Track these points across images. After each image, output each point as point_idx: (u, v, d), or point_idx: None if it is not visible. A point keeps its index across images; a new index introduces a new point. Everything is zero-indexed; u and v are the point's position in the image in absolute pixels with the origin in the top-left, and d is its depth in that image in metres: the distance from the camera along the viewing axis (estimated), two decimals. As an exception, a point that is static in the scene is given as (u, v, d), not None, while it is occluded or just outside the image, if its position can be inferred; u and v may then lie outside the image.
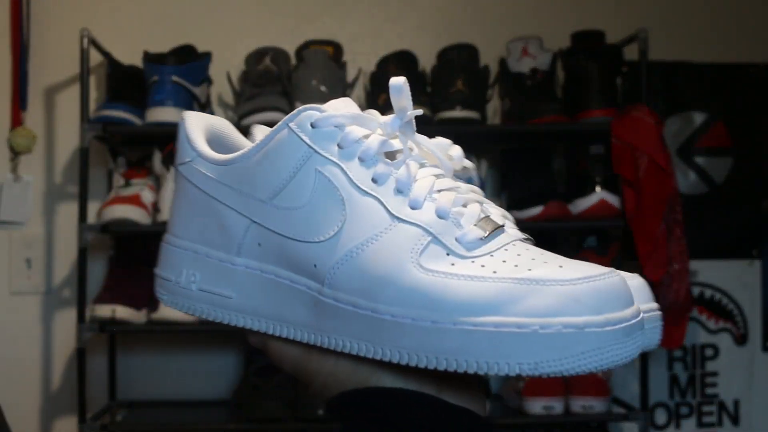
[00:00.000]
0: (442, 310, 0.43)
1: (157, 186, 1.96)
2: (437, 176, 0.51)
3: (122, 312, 1.89)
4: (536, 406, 1.93)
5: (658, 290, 1.98)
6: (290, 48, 2.10)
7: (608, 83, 2.02)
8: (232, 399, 2.01)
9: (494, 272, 0.44)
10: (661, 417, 2.29)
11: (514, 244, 0.48)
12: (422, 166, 0.52)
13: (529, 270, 0.44)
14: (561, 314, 0.41)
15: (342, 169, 0.49)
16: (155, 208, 1.93)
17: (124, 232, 1.97)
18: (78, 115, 1.93)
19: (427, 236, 0.47)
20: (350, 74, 2.08)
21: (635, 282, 0.53)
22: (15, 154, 2.16)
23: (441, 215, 0.48)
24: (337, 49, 2.12)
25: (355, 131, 0.51)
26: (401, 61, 2.06)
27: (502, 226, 0.50)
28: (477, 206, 0.49)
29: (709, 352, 2.31)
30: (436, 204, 0.48)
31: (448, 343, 0.43)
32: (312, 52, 1.98)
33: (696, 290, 2.29)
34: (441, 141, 0.57)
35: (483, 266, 0.45)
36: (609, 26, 2.15)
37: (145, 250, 2.00)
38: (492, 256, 0.46)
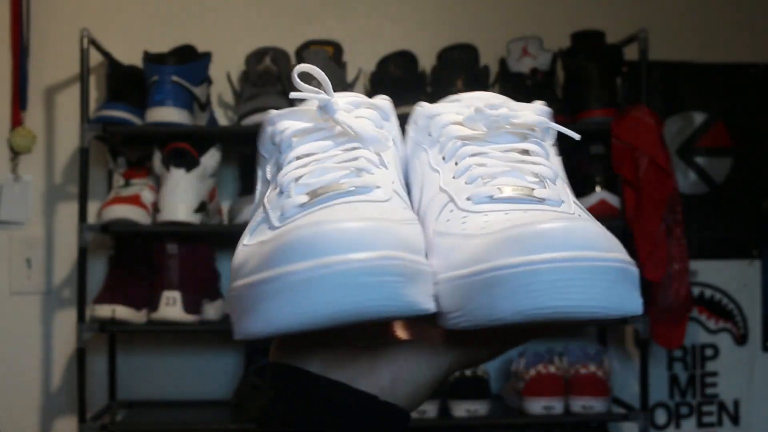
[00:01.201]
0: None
1: (157, 186, 1.96)
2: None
3: (122, 312, 1.89)
4: (536, 406, 1.93)
5: (658, 290, 1.98)
6: (290, 48, 2.10)
7: (608, 83, 2.02)
8: (232, 399, 2.01)
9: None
10: (661, 417, 2.29)
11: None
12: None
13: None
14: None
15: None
16: (155, 208, 1.93)
17: (124, 232, 1.97)
18: (78, 115, 1.93)
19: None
20: (350, 74, 2.08)
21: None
22: (15, 154, 2.16)
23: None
24: (337, 49, 2.12)
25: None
26: (401, 61, 2.06)
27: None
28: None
29: (709, 352, 2.31)
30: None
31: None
32: (312, 52, 1.98)
33: (696, 290, 2.29)
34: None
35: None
36: (609, 26, 2.15)
37: (145, 250, 2.00)
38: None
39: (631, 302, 0.46)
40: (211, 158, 1.96)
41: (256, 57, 2.06)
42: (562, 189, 0.54)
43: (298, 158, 0.53)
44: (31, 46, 2.17)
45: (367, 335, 0.50)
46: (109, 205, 1.90)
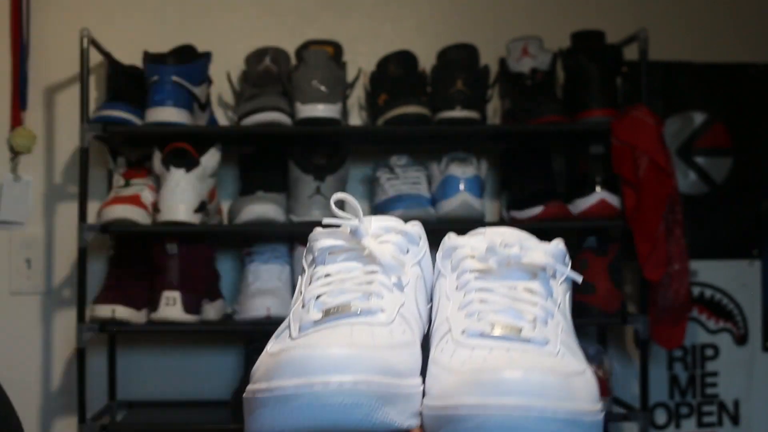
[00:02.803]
0: None
1: (157, 186, 1.96)
2: None
3: (122, 312, 1.89)
4: (536, 406, 1.93)
5: (657, 290, 1.98)
6: (290, 48, 2.10)
7: (608, 83, 2.02)
8: (232, 399, 2.01)
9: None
10: (661, 417, 2.29)
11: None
12: None
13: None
14: None
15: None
16: (155, 208, 1.93)
17: (124, 232, 1.96)
18: (78, 115, 1.93)
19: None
20: (350, 74, 2.08)
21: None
22: (15, 154, 2.16)
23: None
24: (337, 49, 2.12)
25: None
26: (401, 61, 2.06)
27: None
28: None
29: (709, 352, 2.31)
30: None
31: None
32: (312, 52, 1.98)
33: (696, 290, 2.29)
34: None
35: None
36: (609, 26, 2.15)
37: (145, 251, 2.00)
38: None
39: None
40: (211, 158, 1.96)
41: (256, 57, 2.06)
42: (553, 329, 0.57)
43: (326, 276, 0.61)
44: (31, 46, 2.17)
45: None
46: (109, 205, 1.90)
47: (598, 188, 1.99)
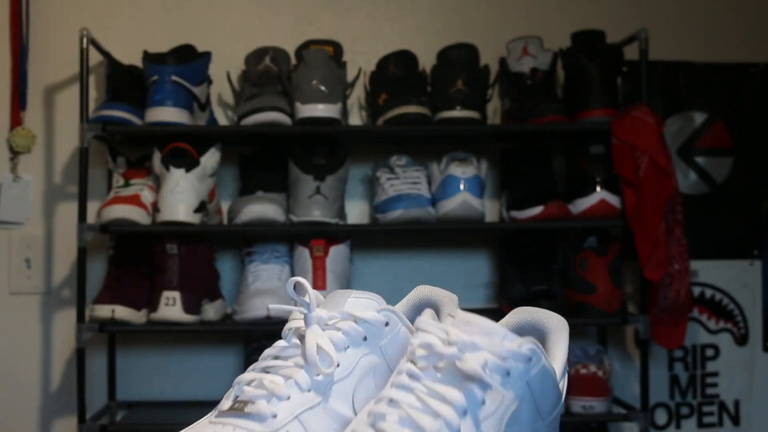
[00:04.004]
0: None
1: (157, 186, 1.96)
2: None
3: (122, 312, 1.89)
4: (536, 406, 1.93)
5: (658, 290, 1.98)
6: (290, 48, 2.10)
7: (608, 83, 2.01)
8: (232, 399, 2.01)
9: None
10: (661, 417, 2.29)
11: None
12: None
13: None
14: None
15: None
16: (155, 208, 1.93)
17: (123, 232, 1.96)
18: (77, 114, 1.93)
19: None
20: (350, 74, 2.08)
21: None
22: (14, 153, 2.16)
23: None
24: (337, 48, 2.11)
25: None
26: (401, 61, 2.06)
27: None
28: None
29: (709, 352, 2.31)
30: None
31: None
32: (312, 51, 1.98)
33: (696, 290, 2.29)
34: None
35: None
36: (609, 26, 2.14)
37: (145, 251, 2.00)
38: None
39: None
40: (210, 158, 1.96)
41: (255, 57, 2.05)
42: None
43: (272, 357, 0.60)
44: (30, 46, 2.17)
45: None
46: (109, 205, 1.90)
47: (598, 188, 1.98)
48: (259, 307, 1.88)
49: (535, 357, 0.54)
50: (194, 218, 1.89)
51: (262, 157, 2.09)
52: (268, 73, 1.99)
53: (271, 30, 2.23)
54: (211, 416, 0.60)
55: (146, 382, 2.18)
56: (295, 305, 0.62)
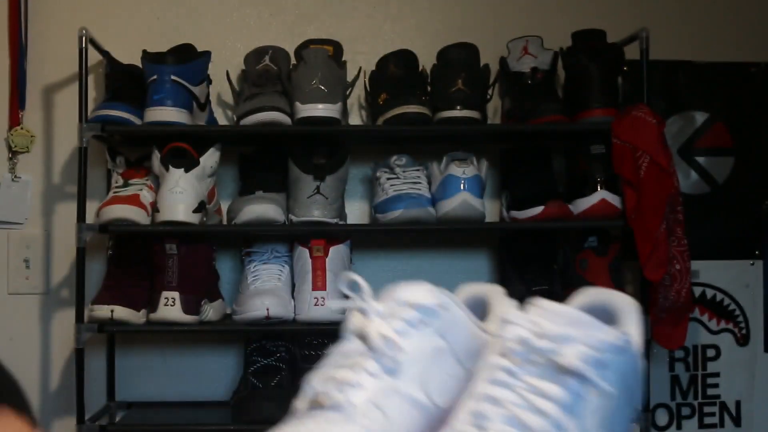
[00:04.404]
0: None
1: (156, 186, 1.95)
2: None
3: (121, 312, 1.88)
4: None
5: (658, 290, 1.97)
6: (290, 47, 2.09)
7: (609, 83, 2.01)
8: (231, 400, 2.00)
9: None
10: (662, 418, 2.29)
11: None
12: None
13: None
14: None
15: None
16: (154, 208, 1.92)
17: (122, 232, 1.96)
18: (76, 114, 1.92)
19: None
20: (350, 74, 2.07)
21: None
22: (13, 153, 2.15)
23: None
24: (336, 48, 2.11)
25: None
26: (401, 61, 2.06)
27: None
28: None
29: (710, 352, 2.30)
30: None
31: None
32: (312, 51, 1.97)
33: (697, 290, 2.28)
34: None
35: None
36: (610, 26, 2.14)
37: (144, 251, 2.00)
38: None
39: None
40: (210, 158, 1.95)
41: (255, 56, 2.05)
42: None
43: (338, 354, 0.60)
44: (29, 46, 2.17)
45: None
46: (108, 205, 1.89)
47: (598, 188, 1.98)
48: (258, 307, 1.88)
49: (628, 348, 0.53)
50: (194, 218, 1.88)
51: (262, 157, 2.09)
52: (268, 73, 1.99)
53: (271, 29, 2.23)
54: (289, 421, 0.58)
55: (145, 382, 2.17)
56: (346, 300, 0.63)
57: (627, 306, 0.59)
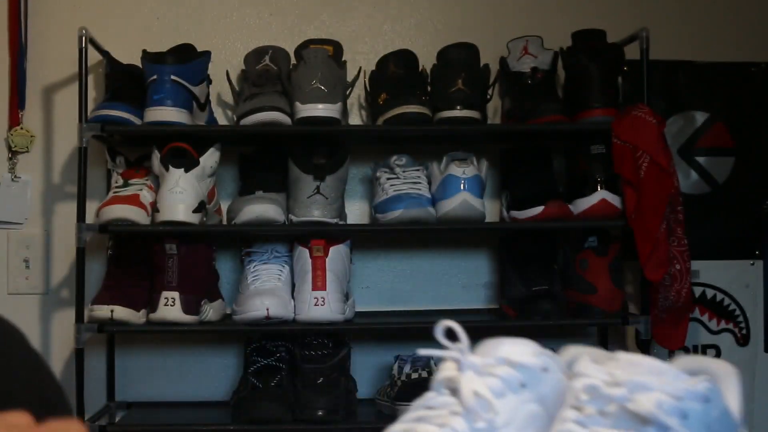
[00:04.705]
0: None
1: (156, 186, 1.95)
2: None
3: (121, 312, 1.88)
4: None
5: (659, 290, 1.97)
6: (290, 47, 2.09)
7: (609, 83, 2.01)
8: (231, 399, 2.00)
9: None
10: (662, 418, 2.28)
11: None
12: None
13: None
14: None
15: None
16: (154, 208, 1.92)
17: (122, 232, 1.96)
18: (76, 114, 1.92)
19: None
20: (350, 73, 2.07)
21: None
22: (13, 153, 2.15)
23: None
24: (336, 48, 2.11)
25: None
26: (401, 61, 2.06)
27: None
28: None
29: (710, 352, 2.30)
30: None
31: None
32: (312, 51, 1.97)
33: (697, 290, 2.28)
34: None
35: None
36: (610, 25, 2.14)
37: (144, 251, 1.99)
38: None
39: None
40: (210, 158, 1.95)
41: (255, 56, 2.05)
42: None
43: (417, 409, 0.55)
44: (29, 46, 2.17)
45: None
46: (108, 205, 1.89)
47: (598, 188, 1.98)
48: (258, 307, 1.88)
49: (714, 397, 0.48)
50: (193, 218, 1.88)
51: (262, 157, 2.09)
52: (268, 73, 1.99)
53: (271, 29, 2.23)
54: None
55: (145, 382, 2.17)
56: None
57: (726, 372, 0.54)
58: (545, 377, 0.55)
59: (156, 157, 1.94)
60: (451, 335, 0.55)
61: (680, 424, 0.47)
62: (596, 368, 0.52)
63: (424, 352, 0.57)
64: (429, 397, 0.55)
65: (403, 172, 2.03)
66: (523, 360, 0.55)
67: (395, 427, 0.53)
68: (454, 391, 0.54)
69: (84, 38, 1.91)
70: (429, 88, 2.04)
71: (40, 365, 0.78)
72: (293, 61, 2.07)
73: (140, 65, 1.98)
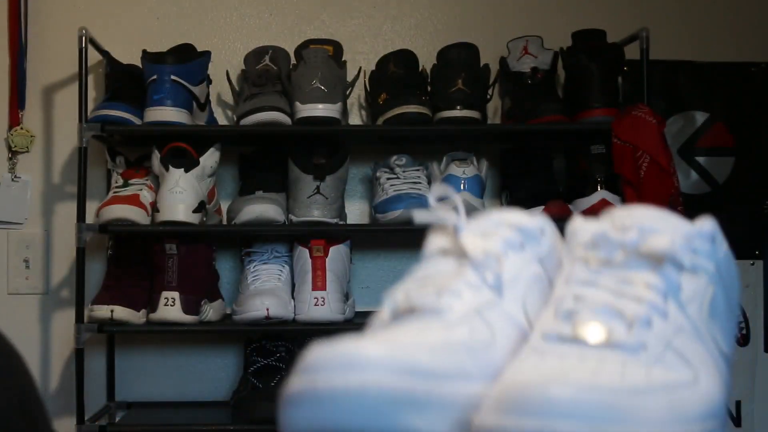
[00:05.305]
0: None
1: (156, 186, 1.95)
2: None
3: (121, 312, 1.88)
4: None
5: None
6: (290, 47, 2.09)
7: (609, 83, 2.01)
8: (231, 399, 2.00)
9: None
10: (662, 418, 2.28)
11: None
12: None
13: None
14: None
15: None
16: (154, 208, 1.92)
17: (122, 232, 1.96)
18: (76, 114, 1.92)
19: None
20: (350, 73, 2.07)
21: None
22: (13, 153, 2.15)
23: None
24: (336, 48, 2.11)
25: None
26: (401, 61, 2.06)
27: None
28: None
29: (710, 352, 2.30)
30: None
31: None
32: (312, 51, 1.97)
33: (697, 291, 2.28)
34: None
35: None
36: (610, 25, 2.14)
37: (144, 251, 1.99)
38: None
39: None
40: (210, 158, 1.95)
41: (255, 56, 2.05)
42: (661, 331, 0.46)
43: (421, 277, 0.53)
44: (29, 46, 2.16)
45: None
46: (108, 205, 1.89)
47: (598, 188, 1.98)
48: (258, 307, 1.88)
49: (718, 237, 0.50)
50: (193, 218, 1.88)
51: (262, 157, 2.09)
52: (268, 73, 1.99)
53: (271, 29, 2.23)
54: (371, 331, 0.51)
55: (145, 382, 2.17)
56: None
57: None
58: (543, 240, 0.55)
59: (156, 157, 1.94)
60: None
61: (692, 262, 0.48)
62: (596, 220, 0.52)
63: (420, 216, 0.54)
64: (423, 268, 0.54)
65: (403, 172, 2.03)
66: (521, 222, 0.55)
67: (397, 291, 0.52)
68: (460, 253, 0.53)
69: (84, 38, 1.91)
70: (429, 88, 2.04)
71: (32, 392, 0.78)
72: (293, 61, 2.07)
73: (140, 65, 1.98)
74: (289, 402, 0.45)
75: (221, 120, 2.19)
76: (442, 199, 0.54)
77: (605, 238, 0.50)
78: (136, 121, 1.93)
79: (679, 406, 0.42)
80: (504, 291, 0.52)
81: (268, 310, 1.87)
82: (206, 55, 2.03)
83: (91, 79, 2.13)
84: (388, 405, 0.42)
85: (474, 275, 0.51)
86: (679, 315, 0.47)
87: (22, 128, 2.14)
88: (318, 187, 1.95)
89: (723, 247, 0.50)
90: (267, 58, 2.02)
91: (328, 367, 0.44)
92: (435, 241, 0.56)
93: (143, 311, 1.94)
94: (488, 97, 2.05)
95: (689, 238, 0.49)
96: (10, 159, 2.15)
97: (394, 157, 2.05)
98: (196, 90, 1.97)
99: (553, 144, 2.17)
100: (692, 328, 0.48)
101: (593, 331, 0.45)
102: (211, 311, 1.97)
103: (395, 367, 0.43)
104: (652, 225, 0.49)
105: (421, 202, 1.94)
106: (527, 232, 0.55)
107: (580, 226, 0.54)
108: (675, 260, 0.48)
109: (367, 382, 0.42)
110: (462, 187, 1.93)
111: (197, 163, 1.91)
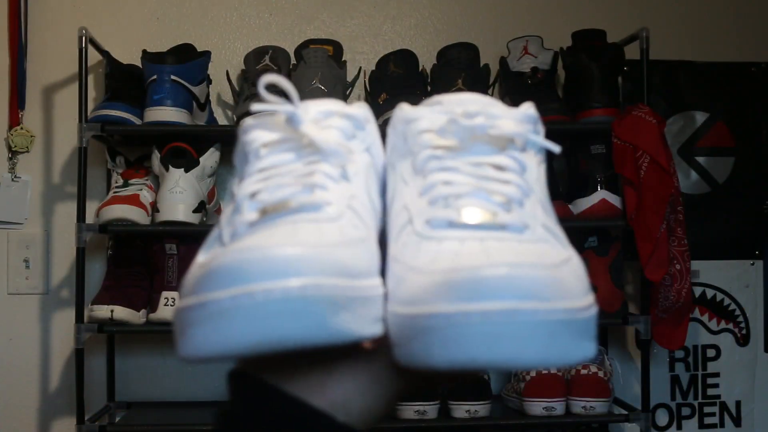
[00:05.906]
0: None
1: (156, 186, 1.95)
2: None
3: (121, 312, 1.88)
4: (537, 407, 1.92)
5: (659, 291, 1.97)
6: (290, 47, 2.09)
7: (609, 82, 2.01)
8: (231, 400, 2.00)
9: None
10: (662, 418, 2.28)
11: None
12: None
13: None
14: None
15: None
16: (154, 208, 1.92)
17: (122, 232, 1.96)
18: (76, 114, 1.92)
19: None
20: (350, 73, 2.07)
21: None
22: (13, 153, 2.15)
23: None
24: (336, 48, 2.11)
25: None
26: (401, 60, 2.06)
27: None
28: None
29: (710, 352, 2.30)
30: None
31: None
32: (312, 51, 1.97)
33: (698, 290, 2.28)
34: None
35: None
36: (610, 25, 2.14)
37: (144, 251, 1.99)
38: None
39: (576, 353, 0.42)
40: (210, 158, 1.95)
41: (255, 56, 2.05)
42: (531, 211, 0.49)
43: (260, 171, 0.51)
44: (29, 45, 2.17)
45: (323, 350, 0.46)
46: (108, 205, 1.89)
47: (599, 188, 1.98)
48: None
49: (537, 120, 0.54)
50: (193, 218, 1.88)
51: (262, 157, 2.08)
52: (268, 73, 1.98)
53: (271, 29, 2.23)
54: (218, 244, 0.48)
55: (145, 382, 2.17)
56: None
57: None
58: (369, 127, 0.56)
59: (156, 157, 1.94)
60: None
61: (528, 142, 0.52)
62: (436, 108, 0.54)
63: (256, 107, 0.52)
64: (256, 162, 0.52)
65: (403, 172, 2.03)
66: (348, 110, 0.55)
67: (244, 188, 0.50)
68: (308, 144, 0.52)
69: (84, 38, 1.91)
70: (429, 88, 2.04)
71: None
72: (293, 61, 2.07)
73: (140, 65, 1.98)
74: (214, 314, 0.41)
75: (221, 120, 2.19)
76: (271, 88, 0.52)
77: (456, 124, 0.51)
78: (136, 121, 1.93)
79: (581, 275, 0.45)
80: (353, 180, 0.52)
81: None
82: (206, 55, 2.04)
83: (91, 79, 2.13)
84: (325, 306, 0.41)
85: (330, 168, 0.51)
86: (536, 186, 0.51)
87: (22, 128, 2.14)
88: (318, 187, 1.95)
89: (539, 127, 0.54)
90: (267, 58, 2.02)
91: (259, 273, 0.41)
92: (260, 135, 0.54)
93: (143, 311, 1.94)
94: (488, 97, 2.05)
95: (530, 120, 0.53)
96: (10, 159, 2.15)
97: (394, 157, 2.05)
98: (196, 90, 1.97)
99: (553, 143, 2.17)
100: (545, 205, 0.52)
101: (476, 214, 0.47)
102: (211, 311, 1.97)
103: (325, 268, 0.42)
104: (493, 111, 0.52)
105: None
106: (356, 121, 0.55)
107: (419, 113, 0.54)
108: (521, 141, 0.51)
109: (307, 285, 0.41)
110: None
111: (197, 163, 1.91)
